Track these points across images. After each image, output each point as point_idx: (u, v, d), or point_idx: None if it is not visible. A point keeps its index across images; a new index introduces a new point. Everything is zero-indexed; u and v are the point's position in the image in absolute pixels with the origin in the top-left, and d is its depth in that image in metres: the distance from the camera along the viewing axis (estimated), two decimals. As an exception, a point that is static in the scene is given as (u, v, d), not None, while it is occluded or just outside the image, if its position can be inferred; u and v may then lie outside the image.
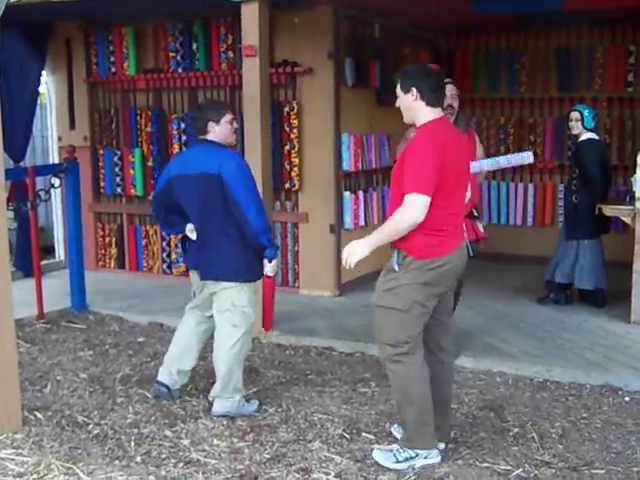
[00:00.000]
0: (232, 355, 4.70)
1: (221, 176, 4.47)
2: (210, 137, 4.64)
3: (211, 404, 4.86)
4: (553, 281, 7.13)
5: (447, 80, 5.45)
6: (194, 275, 4.88)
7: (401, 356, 3.95)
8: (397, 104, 4.06)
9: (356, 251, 3.87)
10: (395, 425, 4.45)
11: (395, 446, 4.11)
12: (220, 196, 4.50)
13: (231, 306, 4.66)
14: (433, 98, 3.95)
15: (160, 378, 4.98)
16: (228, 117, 4.66)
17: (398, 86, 4.00)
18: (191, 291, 5.00)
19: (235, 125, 4.77)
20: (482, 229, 5.71)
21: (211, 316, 4.85)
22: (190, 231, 4.74)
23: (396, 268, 3.90)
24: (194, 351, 4.98)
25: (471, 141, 5.36)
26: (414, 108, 3.96)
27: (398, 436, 4.31)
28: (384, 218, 7.61)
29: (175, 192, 4.68)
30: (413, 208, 3.73)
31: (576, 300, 7.20)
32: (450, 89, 5.35)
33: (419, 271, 3.87)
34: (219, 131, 4.63)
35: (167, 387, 4.94)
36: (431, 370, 4.06)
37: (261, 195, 4.80)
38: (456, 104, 5.48)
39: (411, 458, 4.01)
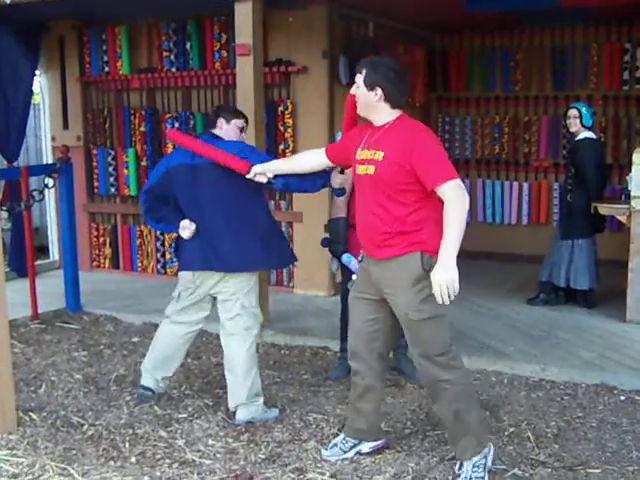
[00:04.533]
0: (248, 358, 4.63)
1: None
2: (216, 132, 4.66)
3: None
4: (550, 282, 7.05)
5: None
6: (187, 276, 4.66)
7: (454, 360, 3.81)
8: (353, 92, 3.85)
9: (450, 279, 3.51)
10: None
11: (465, 465, 3.80)
12: (225, 184, 4.46)
13: (241, 309, 4.61)
14: (399, 100, 3.77)
15: (145, 383, 4.89)
16: (239, 122, 4.68)
17: (361, 76, 3.75)
18: (175, 292, 4.76)
19: (244, 134, 4.74)
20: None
21: (203, 318, 4.78)
22: (183, 228, 4.53)
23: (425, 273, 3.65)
24: (180, 358, 4.91)
25: None
26: (375, 107, 3.76)
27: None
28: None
29: (175, 183, 4.55)
30: (462, 192, 3.54)
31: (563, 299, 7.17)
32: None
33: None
34: (225, 129, 4.65)
35: (152, 391, 4.87)
36: None
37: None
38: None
39: (485, 457, 3.82)
